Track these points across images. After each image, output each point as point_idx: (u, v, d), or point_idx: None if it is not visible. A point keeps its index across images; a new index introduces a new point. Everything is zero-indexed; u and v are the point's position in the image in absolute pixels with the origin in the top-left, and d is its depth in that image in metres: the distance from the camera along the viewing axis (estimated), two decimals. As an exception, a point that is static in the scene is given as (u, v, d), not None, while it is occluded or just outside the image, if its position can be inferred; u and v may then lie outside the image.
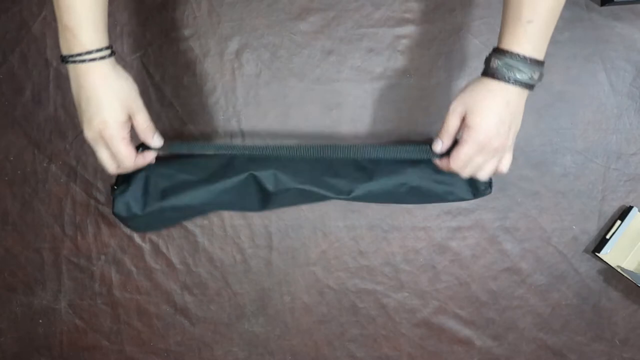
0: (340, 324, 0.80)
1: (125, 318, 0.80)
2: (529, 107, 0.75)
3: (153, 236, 0.79)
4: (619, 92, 0.75)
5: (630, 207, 0.76)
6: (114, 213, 0.69)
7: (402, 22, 0.75)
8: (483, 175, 0.58)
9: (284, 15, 0.75)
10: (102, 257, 0.79)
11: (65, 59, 0.50)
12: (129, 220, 0.71)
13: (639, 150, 0.76)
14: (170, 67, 0.76)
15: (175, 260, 0.79)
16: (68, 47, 0.49)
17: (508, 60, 0.52)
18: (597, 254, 0.76)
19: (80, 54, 0.49)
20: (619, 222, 0.76)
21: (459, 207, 0.77)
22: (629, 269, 0.75)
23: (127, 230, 0.79)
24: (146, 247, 0.79)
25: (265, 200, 0.71)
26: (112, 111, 0.51)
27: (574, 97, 0.76)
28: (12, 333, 0.82)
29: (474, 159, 0.56)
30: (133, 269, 0.79)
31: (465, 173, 0.58)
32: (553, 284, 0.78)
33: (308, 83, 0.76)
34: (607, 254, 0.75)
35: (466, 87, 0.57)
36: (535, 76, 0.53)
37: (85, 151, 0.78)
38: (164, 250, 0.79)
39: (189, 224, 0.78)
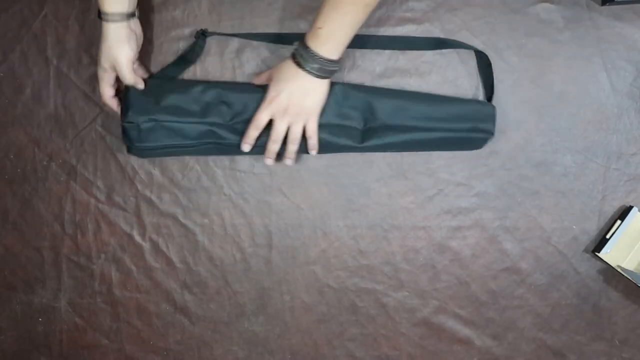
0: (340, 323, 0.80)
1: (125, 317, 0.80)
2: (529, 107, 0.76)
3: (153, 235, 0.79)
4: (619, 92, 0.75)
5: (631, 207, 0.76)
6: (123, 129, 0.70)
7: (403, 21, 0.75)
8: (294, 133, 0.70)
9: (284, 14, 0.75)
10: (102, 255, 0.79)
11: (98, 15, 0.67)
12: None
13: (639, 150, 0.76)
14: (171, 66, 0.76)
15: (175, 259, 0.79)
16: (100, 7, 0.66)
17: (305, 52, 0.64)
18: (597, 253, 0.76)
19: (101, 14, 0.66)
20: (619, 221, 0.76)
21: (459, 207, 0.77)
22: (629, 269, 0.75)
23: (127, 229, 0.79)
24: (146, 245, 0.79)
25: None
26: (102, 60, 0.69)
27: (574, 97, 0.76)
28: (12, 331, 0.82)
29: (280, 119, 0.69)
30: (133, 267, 0.79)
31: (277, 127, 0.69)
32: (553, 283, 0.78)
33: (308, 82, 0.76)
34: (607, 253, 0.75)
35: (279, 65, 0.69)
36: (328, 69, 0.65)
37: (86, 150, 0.78)
38: (164, 249, 0.79)
39: (189, 223, 0.78)
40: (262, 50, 0.75)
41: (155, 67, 0.76)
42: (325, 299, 0.79)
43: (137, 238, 0.79)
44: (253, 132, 0.70)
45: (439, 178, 0.77)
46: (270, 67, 0.75)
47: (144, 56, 0.75)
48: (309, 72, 0.65)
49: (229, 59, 0.76)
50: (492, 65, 0.74)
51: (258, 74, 0.74)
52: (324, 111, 0.70)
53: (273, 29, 0.75)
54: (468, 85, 0.75)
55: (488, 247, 0.78)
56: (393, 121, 0.72)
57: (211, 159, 0.77)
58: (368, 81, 0.75)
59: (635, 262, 0.76)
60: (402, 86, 0.75)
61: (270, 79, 0.69)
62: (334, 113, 0.71)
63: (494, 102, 0.75)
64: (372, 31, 0.74)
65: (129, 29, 0.67)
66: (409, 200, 0.77)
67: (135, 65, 0.71)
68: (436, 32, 0.75)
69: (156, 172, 0.78)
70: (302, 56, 0.65)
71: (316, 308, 0.79)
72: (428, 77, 0.75)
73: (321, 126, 0.71)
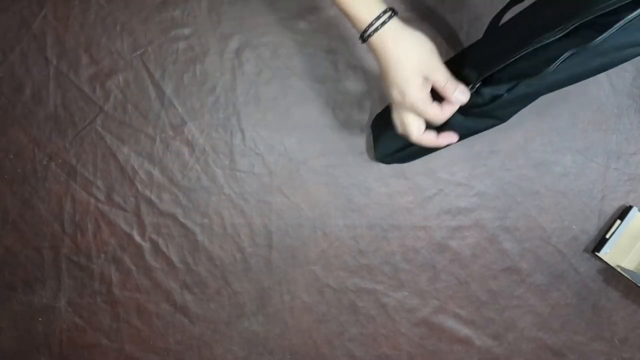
0: (340, 323, 0.80)
1: (125, 317, 0.80)
2: (529, 107, 0.76)
3: (153, 235, 0.79)
4: (619, 92, 0.75)
5: (630, 207, 0.76)
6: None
7: (403, 21, 0.75)
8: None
9: (284, 13, 0.75)
10: (102, 255, 0.79)
11: (363, 39, 0.54)
12: None
13: (639, 150, 0.76)
14: (170, 66, 0.76)
15: (175, 259, 0.79)
16: (359, 29, 0.53)
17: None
18: (596, 253, 0.76)
19: (366, 30, 0.52)
20: (618, 221, 0.76)
21: (458, 206, 0.77)
22: (628, 269, 0.75)
23: (127, 229, 0.79)
24: (146, 245, 0.79)
25: None
26: (406, 79, 0.52)
27: (574, 97, 0.75)
28: (12, 331, 0.82)
29: None
30: (133, 267, 0.79)
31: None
32: (553, 283, 0.78)
33: (308, 82, 0.76)
34: (607, 253, 0.75)
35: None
36: None
37: (85, 149, 0.78)
38: (164, 249, 0.79)
39: (188, 223, 0.78)
40: (262, 50, 0.75)
41: (154, 68, 0.76)
42: (325, 299, 0.79)
43: (137, 238, 0.79)
44: None
45: (438, 178, 0.77)
46: (270, 67, 0.75)
47: (143, 56, 0.75)
48: None
49: (229, 59, 0.75)
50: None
51: None
52: None
53: (273, 28, 0.75)
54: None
55: (488, 247, 0.78)
56: None
57: (211, 159, 0.77)
58: (368, 80, 0.75)
59: (635, 261, 0.76)
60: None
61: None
62: None
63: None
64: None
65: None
66: (409, 200, 0.77)
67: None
68: (436, 32, 0.74)
69: (156, 172, 0.78)
70: None
71: (316, 308, 0.79)
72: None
73: None
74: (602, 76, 0.75)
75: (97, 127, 0.77)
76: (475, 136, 0.76)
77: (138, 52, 0.75)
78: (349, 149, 0.77)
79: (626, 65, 0.74)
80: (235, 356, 0.81)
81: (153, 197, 0.78)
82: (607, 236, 0.76)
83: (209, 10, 0.75)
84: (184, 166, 0.77)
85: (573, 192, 0.77)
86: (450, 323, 0.79)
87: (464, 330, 0.79)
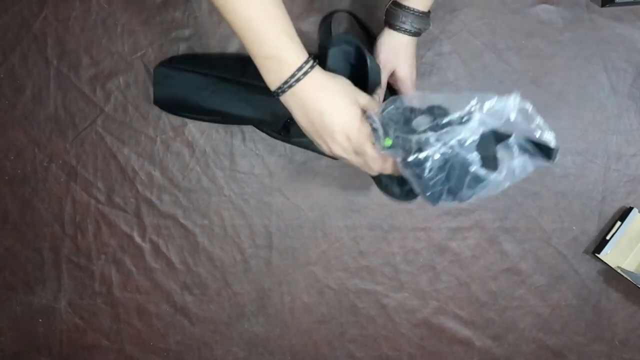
0: (340, 324, 0.80)
1: (125, 317, 0.80)
2: (529, 107, 0.76)
3: (153, 236, 0.79)
4: (619, 93, 0.75)
5: (631, 208, 0.76)
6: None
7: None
8: None
9: (284, 15, 0.75)
10: (102, 256, 0.79)
11: (281, 90, 0.47)
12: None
13: (639, 151, 0.76)
14: (171, 67, 0.76)
15: (175, 259, 0.79)
16: (278, 76, 0.47)
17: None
18: (597, 254, 0.76)
19: (293, 75, 0.47)
20: (619, 223, 0.76)
21: (459, 207, 0.77)
22: (629, 270, 0.75)
23: (127, 230, 0.79)
24: (146, 246, 0.79)
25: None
26: (347, 116, 0.47)
27: (574, 98, 0.76)
28: (12, 332, 0.82)
29: None
30: (133, 268, 0.79)
31: None
32: (553, 284, 0.78)
33: (308, 83, 0.76)
34: (607, 254, 0.75)
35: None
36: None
37: (86, 150, 0.78)
38: (164, 250, 0.79)
39: (189, 224, 0.78)
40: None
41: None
42: (326, 300, 0.79)
43: (137, 239, 0.79)
44: None
45: (439, 179, 0.77)
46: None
47: (144, 57, 0.75)
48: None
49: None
50: (492, 66, 0.74)
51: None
52: None
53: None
54: (468, 86, 0.75)
55: (488, 248, 0.78)
56: None
57: (211, 160, 0.77)
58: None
59: (635, 263, 0.76)
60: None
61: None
62: None
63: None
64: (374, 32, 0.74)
65: None
66: (409, 201, 0.77)
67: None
68: (436, 32, 0.75)
69: (156, 173, 0.78)
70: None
71: (316, 309, 0.79)
72: (428, 78, 0.75)
73: None
74: (602, 77, 0.75)
75: (97, 128, 0.77)
76: (476, 137, 0.76)
77: (139, 53, 0.75)
78: (349, 150, 0.77)
79: (626, 66, 0.75)
80: (235, 357, 0.81)
81: (153, 198, 0.78)
82: (608, 237, 0.76)
83: (209, 11, 0.75)
84: (184, 167, 0.77)
85: (573, 193, 0.77)
86: (451, 324, 0.79)
87: (464, 331, 0.79)
